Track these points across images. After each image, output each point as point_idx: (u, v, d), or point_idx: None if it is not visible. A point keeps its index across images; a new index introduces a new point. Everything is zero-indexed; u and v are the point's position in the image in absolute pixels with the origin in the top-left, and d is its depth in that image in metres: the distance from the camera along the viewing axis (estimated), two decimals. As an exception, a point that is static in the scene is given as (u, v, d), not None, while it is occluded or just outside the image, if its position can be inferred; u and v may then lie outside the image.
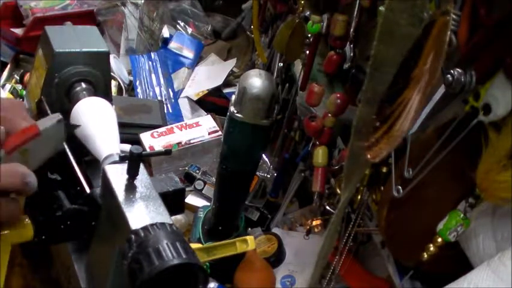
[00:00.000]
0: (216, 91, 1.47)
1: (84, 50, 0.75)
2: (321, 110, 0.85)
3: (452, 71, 0.48)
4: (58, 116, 0.58)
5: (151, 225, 0.51)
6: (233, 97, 0.81)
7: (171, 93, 1.48)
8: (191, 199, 1.12)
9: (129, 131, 1.17)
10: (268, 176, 1.17)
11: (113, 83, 1.45)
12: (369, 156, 0.55)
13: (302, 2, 0.89)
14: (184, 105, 1.45)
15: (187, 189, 0.98)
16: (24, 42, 1.52)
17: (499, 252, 0.53)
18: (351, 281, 0.87)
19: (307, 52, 0.92)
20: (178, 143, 1.17)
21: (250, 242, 0.87)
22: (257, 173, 1.11)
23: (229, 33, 1.69)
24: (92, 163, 0.64)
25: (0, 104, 0.56)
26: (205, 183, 1.12)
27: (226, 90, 1.47)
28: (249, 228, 1.04)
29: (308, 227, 0.91)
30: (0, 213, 0.51)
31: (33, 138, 0.54)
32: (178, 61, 1.57)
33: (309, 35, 0.91)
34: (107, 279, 0.56)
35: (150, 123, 1.27)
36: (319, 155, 0.82)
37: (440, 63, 0.47)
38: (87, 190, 0.61)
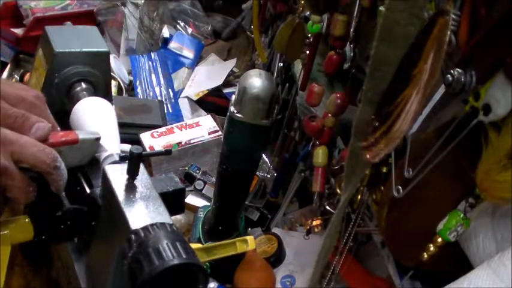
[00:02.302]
0: (216, 91, 1.47)
1: (84, 50, 0.75)
2: (321, 110, 0.85)
3: (452, 71, 0.48)
4: (98, 134, 0.61)
5: (151, 225, 0.51)
6: (233, 97, 0.81)
7: (171, 93, 1.48)
8: (191, 199, 1.12)
9: (129, 131, 1.17)
10: (268, 176, 1.17)
11: (113, 83, 1.45)
12: (367, 156, 0.54)
13: (302, 2, 0.89)
14: (184, 105, 1.45)
15: (187, 189, 0.98)
16: (24, 42, 1.52)
17: (499, 252, 0.53)
18: (351, 281, 0.87)
19: (307, 52, 0.92)
20: (178, 143, 1.17)
21: (250, 242, 0.87)
22: (257, 173, 1.11)
23: (229, 33, 1.69)
24: (92, 163, 0.64)
25: (31, 90, 0.58)
26: (205, 183, 1.12)
27: (226, 90, 1.47)
28: (249, 228, 1.04)
29: (308, 227, 0.90)
30: (13, 187, 0.51)
31: (71, 144, 0.57)
32: (178, 61, 1.57)
33: (309, 35, 0.91)
34: (107, 279, 0.56)
35: (150, 123, 1.27)
36: (319, 155, 0.82)
37: (440, 64, 0.47)
38: (87, 190, 0.61)
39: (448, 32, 0.46)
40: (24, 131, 0.53)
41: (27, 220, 0.56)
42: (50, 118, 0.57)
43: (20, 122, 0.53)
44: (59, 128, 0.58)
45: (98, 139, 0.61)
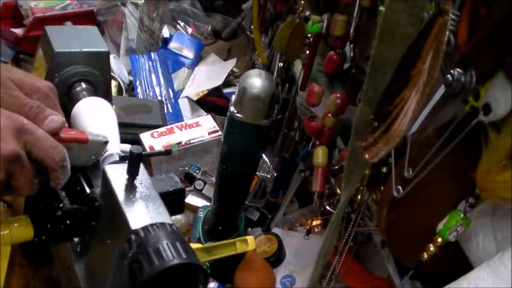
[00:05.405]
0: (216, 91, 1.47)
1: (84, 50, 0.75)
2: (321, 110, 0.85)
3: (452, 71, 0.48)
4: (106, 138, 0.61)
5: (151, 225, 0.51)
6: (233, 97, 0.81)
7: (171, 93, 1.48)
8: (191, 199, 1.12)
9: (129, 131, 1.17)
10: (268, 176, 1.17)
11: (113, 83, 1.45)
12: (366, 156, 0.54)
13: (302, 2, 0.89)
14: (184, 105, 1.45)
15: (187, 189, 0.98)
16: (24, 42, 1.52)
17: (499, 252, 0.53)
18: (351, 281, 0.87)
19: (307, 52, 0.92)
20: (178, 143, 1.17)
21: (250, 242, 0.87)
22: (257, 173, 1.11)
23: (229, 33, 1.69)
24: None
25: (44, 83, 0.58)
26: (205, 183, 1.12)
27: (226, 90, 1.47)
28: (249, 228, 1.04)
29: (308, 227, 0.90)
30: (21, 176, 0.51)
31: (80, 143, 0.58)
32: (178, 61, 1.57)
33: (309, 35, 0.91)
34: (107, 279, 0.56)
35: (150, 123, 1.27)
36: (319, 155, 0.82)
37: (438, 64, 0.47)
38: (87, 190, 0.61)
39: (447, 32, 0.46)
40: (37, 121, 0.53)
41: (27, 220, 0.56)
42: (61, 111, 0.57)
43: (35, 112, 0.53)
44: (66, 125, 0.58)
45: (106, 143, 0.61)
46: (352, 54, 0.79)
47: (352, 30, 0.77)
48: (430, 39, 0.48)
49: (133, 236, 0.50)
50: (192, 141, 1.18)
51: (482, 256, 0.56)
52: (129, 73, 1.55)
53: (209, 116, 1.27)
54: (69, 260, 0.70)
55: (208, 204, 1.07)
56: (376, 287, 0.87)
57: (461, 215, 0.55)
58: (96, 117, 0.67)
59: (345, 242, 0.77)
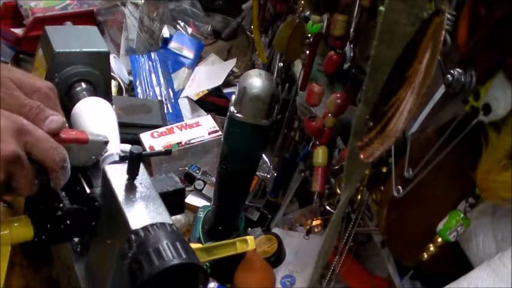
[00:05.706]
0: (216, 91, 1.47)
1: (84, 50, 0.75)
2: (321, 110, 0.85)
3: (452, 71, 0.48)
4: (106, 137, 0.61)
5: (151, 225, 0.51)
6: (233, 97, 0.81)
7: (171, 93, 1.48)
8: (191, 199, 1.12)
9: (129, 131, 1.17)
10: (268, 176, 1.17)
11: (113, 83, 1.45)
12: (362, 156, 0.54)
13: (302, 2, 0.89)
14: (184, 105, 1.45)
15: (187, 189, 0.98)
16: (24, 42, 1.52)
17: (499, 252, 0.53)
18: (351, 281, 0.87)
19: (307, 52, 0.92)
20: (178, 143, 1.17)
21: (250, 242, 0.87)
22: (257, 173, 1.11)
23: (229, 33, 1.69)
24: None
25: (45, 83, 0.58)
26: (205, 183, 1.12)
27: (226, 90, 1.47)
28: (249, 228, 1.04)
29: (308, 227, 0.90)
30: (21, 177, 0.51)
31: (80, 143, 0.58)
32: (178, 61, 1.57)
33: (309, 35, 0.91)
34: (107, 279, 0.56)
35: (150, 123, 1.27)
36: (319, 155, 0.82)
37: (435, 64, 0.47)
38: (87, 190, 0.61)
39: (443, 32, 0.46)
40: (38, 122, 0.53)
41: (27, 220, 0.56)
42: (61, 112, 0.57)
43: (35, 112, 0.53)
44: (66, 125, 0.58)
45: (106, 143, 0.61)
46: (352, 54, 0.79)
47: (352, 30, 0.77)
48: (427, 38, 0.48)
49: (133, 236, 0.50)
50: (192, 141, 1.18)
51: (482, 256, 0.56)
52: (129, 73, 1.55)
53: (209, 116, 1.27)
54: (69, 260, 0.70)
55: (208, 204, 1.07)
56: (376, 287, 0.87)
57: (461, 215, 0.55)
58: (96, 117, 0.67)
59: (345, 242, 0.77)
